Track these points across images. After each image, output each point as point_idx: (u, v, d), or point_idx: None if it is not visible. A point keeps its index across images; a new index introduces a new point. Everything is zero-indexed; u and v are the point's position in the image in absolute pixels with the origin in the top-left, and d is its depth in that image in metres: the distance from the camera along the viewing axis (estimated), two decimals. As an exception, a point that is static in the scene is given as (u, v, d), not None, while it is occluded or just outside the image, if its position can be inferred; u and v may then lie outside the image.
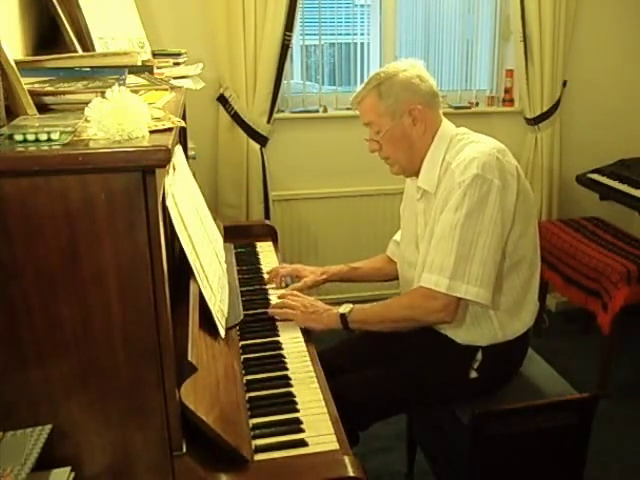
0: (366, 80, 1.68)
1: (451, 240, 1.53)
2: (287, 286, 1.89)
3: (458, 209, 1.53)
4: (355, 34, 3.33)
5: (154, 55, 1.81)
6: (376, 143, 1.69)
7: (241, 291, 1.79)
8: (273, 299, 1.83)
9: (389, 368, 1.72)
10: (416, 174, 1.71)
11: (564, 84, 3.28)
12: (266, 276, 1.97)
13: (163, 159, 0.93)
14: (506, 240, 1.59)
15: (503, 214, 1.55)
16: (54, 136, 0.95)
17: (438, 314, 1.58)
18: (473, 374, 1.68)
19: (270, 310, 1.72)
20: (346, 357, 1.81)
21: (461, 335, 1.67)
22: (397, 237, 1.94)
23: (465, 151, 1.60)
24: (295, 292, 1.80)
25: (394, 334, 1.68)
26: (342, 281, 2.00)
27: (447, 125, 1.70)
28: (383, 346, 1.76)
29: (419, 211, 1.73)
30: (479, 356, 1.68)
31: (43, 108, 1.13)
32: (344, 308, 1.67)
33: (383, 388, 1.70)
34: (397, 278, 1.90)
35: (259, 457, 1.17)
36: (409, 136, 1.66)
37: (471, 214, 1.52)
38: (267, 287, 1.91)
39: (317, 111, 3.20)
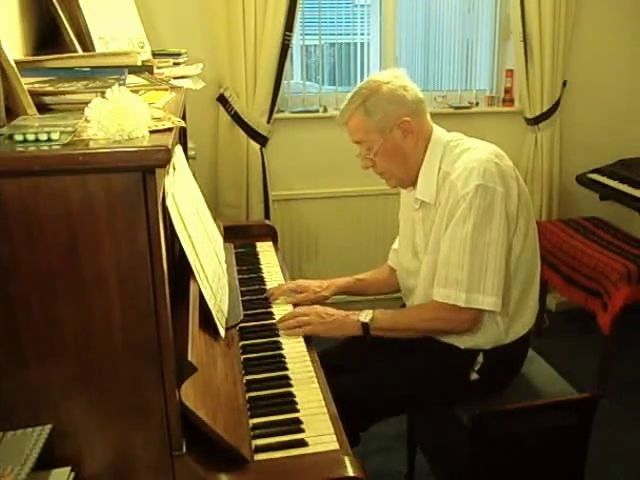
0: (349, 97, 1.64)
1: (462, 253, 1.53)
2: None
3: (466, 222, 1.53)
4: (355, 34, 3.33)
5: (154, 55, 1.81)
6: (369, 160, 1.67)
7: (241, 291, 1.79)
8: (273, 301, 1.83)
9: (390, 369, 1.72)
10: (413, 185, 1.69)
11: (564, 84, 3.27)
12: (266, 276, 1.96)
13: (163, 159, 0.93)
14: (510, 243, 1.59)
15: (508, 220, 1.55)
16: (54, 136, 0.95)
17: (465, 325, 1.60)
18: (474, 376, 1.68)
19: (280, 325, 1.63)
20: (347, 357, 1.81)
21: (467, 341, 1.66)
22: (396, 245, 1.93)
23: (462, 160, 1.59)
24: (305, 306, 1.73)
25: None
26: (348, 294, 1.97)
27: (439, 132, 1.68)
28: (384, 347, 1.75)
29: (417, 220, 1.72)
30: (480, 358, 1.67)
31: (43, 108, 1.13)
32: (365, 316, 1.64)
33: (384, 389, 1.70)
34: None
35: (259, 457, 1.17)
36: (402, 149, 1.64)
37: (479, 225, 1.52)
38: (267, 287, 1.90)
39: (317, 111, 3.19)
